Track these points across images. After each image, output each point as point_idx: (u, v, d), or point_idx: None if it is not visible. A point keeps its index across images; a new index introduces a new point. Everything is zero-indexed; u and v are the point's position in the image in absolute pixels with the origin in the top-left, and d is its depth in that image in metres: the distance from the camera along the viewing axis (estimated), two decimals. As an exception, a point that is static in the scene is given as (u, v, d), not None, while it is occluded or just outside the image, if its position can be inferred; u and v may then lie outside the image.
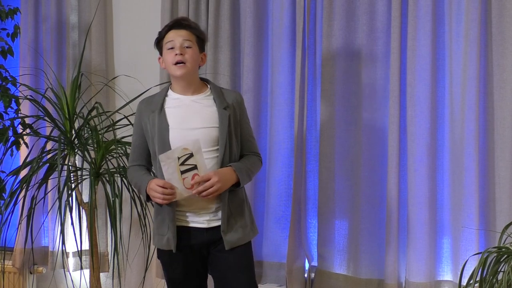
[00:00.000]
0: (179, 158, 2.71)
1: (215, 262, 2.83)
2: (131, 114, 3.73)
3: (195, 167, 2.73)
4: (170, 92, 2.90)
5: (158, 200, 2.75)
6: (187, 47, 2.81)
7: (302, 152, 3.66)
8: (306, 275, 3.75)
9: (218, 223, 2.79)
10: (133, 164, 2.96)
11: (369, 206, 3.58)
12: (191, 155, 2.71)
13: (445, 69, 3.45)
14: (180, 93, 2.87)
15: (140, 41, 4.08)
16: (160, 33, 2.90)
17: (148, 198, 2.84)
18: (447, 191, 3.47)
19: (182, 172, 2.72)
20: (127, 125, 3.74)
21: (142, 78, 3.95)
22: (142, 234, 3.71)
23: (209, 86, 2.91)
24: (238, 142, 2.88)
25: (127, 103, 3.81)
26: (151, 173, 2.94)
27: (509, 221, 3.04)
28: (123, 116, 3.76)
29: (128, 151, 3.75)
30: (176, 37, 2.81)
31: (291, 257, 3.67)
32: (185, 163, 2.71)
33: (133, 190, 3.67)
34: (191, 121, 2.79)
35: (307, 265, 3.75)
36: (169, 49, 2.82)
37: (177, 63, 2.79)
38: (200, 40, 2.88)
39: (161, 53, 2.90)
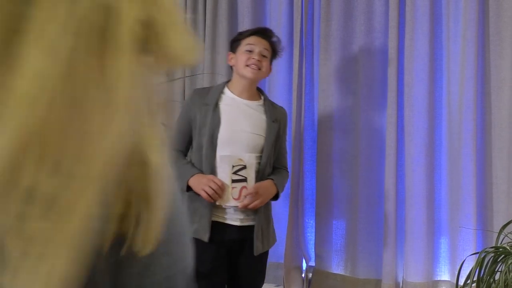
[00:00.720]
0: (233, 167, 2.82)
1: (239, 262, 2.97)
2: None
3: (245, 180, 2.84)
4: (226, 90, 2.98)
5: (204, 193, 2.81)
6: (264, 56, 2.94)
7: (299, 152, 3.66)
8: (303, 275, 3.75)
9: (250, 222, 2.91)
10: (175, 147, 3.02)
11: (366, 206, 3.59)
12: (244, 167, 2.84)
13: (443, 69, 3.46)
14: (236, 94, 2.96)
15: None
16: (241, 33, 3.02)
17: (188, 189, 2.88)
18: (445, 191, 3.47)
19: (233, 181, 2.83)
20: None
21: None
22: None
23: (262, 96, 3.03)
24: (275, 154, 3.03)
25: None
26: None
27: (507, 221, 3.04)
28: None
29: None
30: (258, 43, 2.94)
31: (289, 257, 3.67)
32: (238, 173, 2.83)
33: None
34: (241, 123, 2.90)
35: (304, 265, 3.75)
36: (247, 51, 2.92)
37: (251, 65, 2.91)
38: (274, 54, 3.02)
39: (232, 50, 3.01)
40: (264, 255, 3.01)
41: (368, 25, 3.56)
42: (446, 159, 3.46)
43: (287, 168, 3.12)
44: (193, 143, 2.96)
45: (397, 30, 3.45)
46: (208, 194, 2.79)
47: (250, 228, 2.92)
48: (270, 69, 3.02)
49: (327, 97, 3.62)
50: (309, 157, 3.74)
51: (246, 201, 2.82)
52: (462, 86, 3.34)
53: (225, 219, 2.89)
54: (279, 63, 3.71)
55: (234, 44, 3.00)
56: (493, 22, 3.32)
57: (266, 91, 3.77)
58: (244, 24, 3.73)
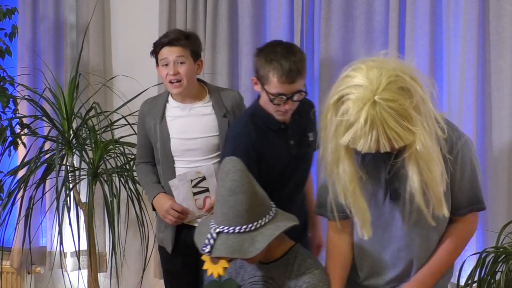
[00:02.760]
0: (192, 181, 2.87)
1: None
2: (129, 114, 3.73)
3: (207, 190, 2.89)
4: (170, 99, 2.99)
5: (167, 221, 2.91)
6: (181, 63, 2.89)
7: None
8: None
9: None
10: (141, 161, 3.09)
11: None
12: (204, 179, 2.87)
13: (443, 69, 3.46)
14: (179, 100, 2.97)
15: (138, 41, 4.08)
16: (154, 46, 2.96)
17: (153, 207, 2.99)
18: (445, 191, 3.47)
19: (194, 194, 2.89)
20: (125, 125, 3.74)
21: (140, 78, 3.95)
22: (140, 234, 3.71)
23: (207, 90, 2.99)
24: None
25: (125, 103, 3.81)
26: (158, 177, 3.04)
27: (507, 221, 3.04)
28: (121, 116, 3.75)
29: (127, 151, 3.75)
30: (170, 55, 2.89)
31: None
32: (198, 185, 2.88)
33: (131, 190, 3.67)
34: (191, 130, 2.91)
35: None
36: (163, 65, 2.91)
37: (171, 81, 2.89)
38: (194, 52, 2.95)
39: (157, 63, 2.97)
40: None
41: (368, 25, 3.56)
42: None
43: None
44: (155, 156, 3.01)
45: (397, 30, 3.45)
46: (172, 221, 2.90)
47: None
48: (200, 63, 2.98)
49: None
50: (309, 157, 3.73)
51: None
52: (462, 86, 3.34)
53: (195, 221, 2.94)
54: (280, 63, 3.70)
55: (154, 56, 2.97)
56: (493, 22, 3.31)
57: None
58: (244, 24, 3.73)
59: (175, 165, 2.94)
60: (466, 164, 2.12)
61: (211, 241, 2.07)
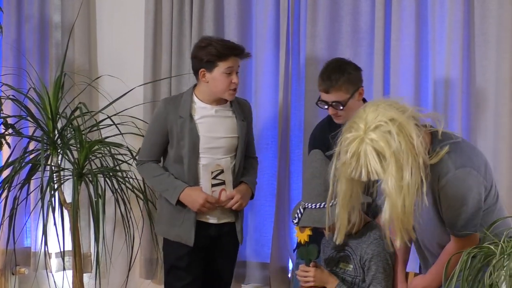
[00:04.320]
0: (212, 173, 3.12)
1: (215, 256, 3.26)
2: (114, 114, 3.72)
3: (223, 183, 3.16)
4: (195, 99, 3.19)
5: (195, 209, 3.12)
6: (237, 72, 3.15)
7: (286, 152, 3.67)
8: (290, 275, 3.74)
9: (227, 219, 3.22)
10: (147, 159, 3.25)
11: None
12: (222, 171, 3.15)
13: (428, 69, 3.47)
14: (204, 101, 3.18)
15: (124, 41, 4.07)
16: (218, 51, 3.08)
17: (178, 201, 3.15)
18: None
19: (213, 186, 3.14)
20: (111, 125, 3.72)
21: (125, 78, 3.94)
22: (126, 234, 3.70)
23: None
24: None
25: (111, 103, 3.79)
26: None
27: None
28: (107, 116, 3.74)
29: (113, 151, 3.74)
30: (236, 65, 3.13)
31: (275, 257, 3.67)
32: (217, 177, 3.14)
33: (116, 191, 3.66)
34: (217, 130, 3.17)
35: (290, 265, 3.75)
36: (225, 73, 3.09)
37: (234, 89, 3.13)
38: None
39: (204, 66, 3.11)
40: (237, 249, 3.34)
41: (354, 26, 3.56)
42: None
43: (255, 155, 3.41)
44: (170, 154, 3.20)
45: (383, 31, 3.46)
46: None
47: (226, 225, 3.21)
48: None
49: (314, 97, 3.61)
50: (295, 157, 3.73)
51: (229, 204, 3.16)
52: (448, 86, 3.35)
53: (207, 218, 3.19)
54: (266, 64, 3.71)
55: (206, 60, 3.09)
56: (478, 23, 3.33)
57: (253, 91, 3.77)
58: (231, 26, 3.73)
59: (199, 162, 3.14)
60: (448, 196, 2.33)
61: (299, 214, 2.61)
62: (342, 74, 2.99)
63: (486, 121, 3.32)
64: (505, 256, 2.73)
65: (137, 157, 3.49)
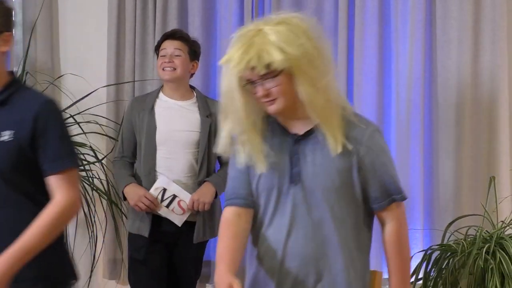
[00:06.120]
0: (157, 198, 3.06)
1: (176, 251, 3.21)
2: (78, 113, 3.69)
3: (174, 196, 3.07)
4: (161, 94, 3.23)
5: (137, 208, 3.09)
6: (177, 55, 3.14)
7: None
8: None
9: (190, 219, 3.13)
10: (120, 156, 3.27)
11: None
12: (165, 190, 3.06)
13: (391, 69, 3.50)
14: (169, 96, 3.20)
15: (87, 39, 4.02)
16: (158, 41, 3.26)
17: (125, 197, 3.17)
18: (393, 190, 3.50)
19: (167, 206, 3.07)
20: (73, 124, 3.68)
21: (89, 78, 3.89)
22: (89, 234, 3.66)
23: (195, 94, 3.26)
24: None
25: (74, 103, 3.75)
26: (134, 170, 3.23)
27: (452, 219, 3.10)
28: (69, 115, 3.70)
29: (76, 150, 3.69)
30: (169, 46, 3.16)
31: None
32: (164, 198, 3.07)
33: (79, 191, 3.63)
34: (176, 123, 3.15)
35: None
36: (161, 56, 3.17)
37: (164, 68, 3.14)
38: (192, 51, 3.22)
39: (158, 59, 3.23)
40: (202, 246, 3.25)
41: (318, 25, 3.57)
42: (394, 159, 3.49)
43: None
44: (137, 145, 3.22)
45: (346, 31, 3.48)
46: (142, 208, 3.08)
47: (189, 223, 3.15)
48: (195, 64, 3.25)
49: (277, 96, 3.63)
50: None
51: (194, 211, 3.09)
52: (410, 86, 3.38)
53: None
54: (230, 63, 3.70)
55: (157, 55, 3.24)
56: (440, 23, 3.37)
57: (217, 92, 3.75)
58: (195, 24, 3.71)
59: (156, 154, 3.13)
60: (379, 150, 2.00)
61: None
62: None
63: (448, 120, 3.36)
64: (466, 254, 2.78)
65: (100, 157, 3.50)
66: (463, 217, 3.11)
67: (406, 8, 3.41)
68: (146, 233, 3.13)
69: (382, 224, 2.02)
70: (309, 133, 1.96)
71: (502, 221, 3.01)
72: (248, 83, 1.91)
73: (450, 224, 2.99)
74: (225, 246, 2.00)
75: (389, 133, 3.50)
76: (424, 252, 3.02)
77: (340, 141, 1.91)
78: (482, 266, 2.78)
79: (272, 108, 1.92)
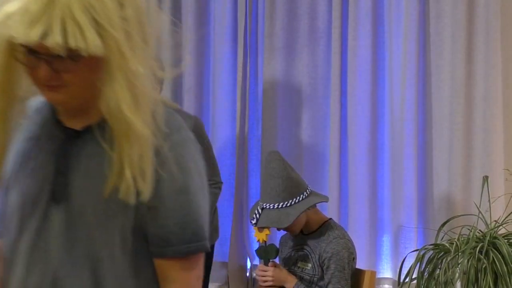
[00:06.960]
0: None
1: None
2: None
3: None
4: None
5: None
6: None
7: (243, 151, 3.66)
8: (248, 274, 3.74)
9: None
10: None
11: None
12: None
13: (385, 69, 3.50)
14: None
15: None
16: None
17: None
18: (387, 189, 3.51)
19: None
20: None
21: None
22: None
23: None
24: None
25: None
26: None
27: (446, 219, 3.10)
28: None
29: None
30: None
31: (233, 256, 3.66)
32: None
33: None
34: None
35: (249, 264, 3.75)
36: None
37: None
38: None
39: None
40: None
41: (312, 25, 3.57)
42: (388, 158, 3.50)
43: (218, 182, 3.17)
44: None
45: (340, 30, 3.48)
46: None
47: None
48: None
49: (271, 96, 3.62)
50: (253, 156, 3.73)
51: None
52: (404, 86, 3.38)
53: None
54: (223, 62, 3.69)
55: None
56: (434, 23, 3.37)
57: (210, 90, 3.75)
58: (188, 23, 3.70)
59: None
60: (182, 169, 1.30)
61: (257, 215, 2.63)
62: None
63: (441, 119, 3.37)
64: (459, 254, 2.78)
65: None
66: (456, 217, 3.11)
67: (400, 8, 3.41)
68: None
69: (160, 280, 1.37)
70: (90, 129, 1.30)
71: (495, 221, 3.01)
72: (25, 51, 1.20)
73: (444, 224, 2.99)
74: None
75: (383, 133, 3.51)
76: (417, 252, 3.02)
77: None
78: (476, 265, 2.78)
79: (52, 97, 1.26)
